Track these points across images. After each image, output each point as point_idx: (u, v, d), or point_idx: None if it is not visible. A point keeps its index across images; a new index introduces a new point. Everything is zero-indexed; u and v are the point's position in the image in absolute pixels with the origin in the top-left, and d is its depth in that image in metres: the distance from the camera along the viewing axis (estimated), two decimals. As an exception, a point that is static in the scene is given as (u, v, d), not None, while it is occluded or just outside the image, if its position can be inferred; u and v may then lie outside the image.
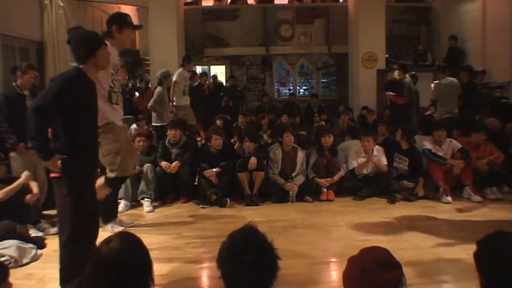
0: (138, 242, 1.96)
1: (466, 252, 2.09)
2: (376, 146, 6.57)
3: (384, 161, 6.49)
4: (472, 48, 11.18)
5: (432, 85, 8.98)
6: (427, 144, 6.59)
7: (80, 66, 3.32)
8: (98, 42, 3.41)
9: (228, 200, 6.14)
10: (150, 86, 10.82)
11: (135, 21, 13.35)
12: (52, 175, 3.30)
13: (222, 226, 5.00)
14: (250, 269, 1.75)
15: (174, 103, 8.27)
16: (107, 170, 4.18)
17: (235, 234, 1.86)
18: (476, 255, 2.00)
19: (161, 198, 6.39)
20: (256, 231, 1.88)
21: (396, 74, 8.95)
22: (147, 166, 6.29)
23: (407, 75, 9.06)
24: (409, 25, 13.37)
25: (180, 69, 8.57)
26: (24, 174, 4.83)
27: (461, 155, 6.49)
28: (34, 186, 4.95)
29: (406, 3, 13.60)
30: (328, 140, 6.54)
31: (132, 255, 1.87)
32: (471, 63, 10.61)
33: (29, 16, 8.45)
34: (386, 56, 11.53)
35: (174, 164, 6.35)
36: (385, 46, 11.42)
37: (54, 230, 4.93)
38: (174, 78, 8.26)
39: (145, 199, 6.13)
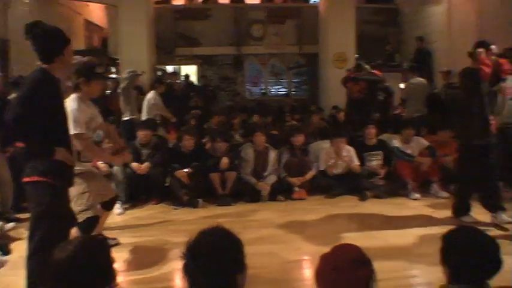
0: (98, 244, 1.95)
1: (433, 246, 2.15)
2: (347, 147, 6.67)
3: (356, 161, 6.59)
4: (438, 49, 11.43)
5: (402, 85, 9.18)
6: (396, 143, 6.74)
7: (45, 65, 3.17)
8: (64, 39, 3.27)
9: (201, 201, 6.12)
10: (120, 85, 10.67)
11: (103, 19, 13.31)
12: (25, 179, 3.15)
13: (194, 227, 4.83)
14: (213, 269, 1.74)
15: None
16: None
17: (204, 233, 1.85)
18: (442, 249, 2.08)
19: (132, 200, 6.29)
20: (225, 232, 1.87)
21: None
22: (116, 168, 6.21)
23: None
24: (378, 26, 13.58)
25: (153, 93, 8.49)
26: None
27: (429, 152, 6.66)
28: None
29: (375, 5, 13.82)
30: (299, 139, 6.60)
31: (91, 258, 1.85)
32: (437, 64, 10.91)
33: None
34: (357, 56, 11.68)
35: (144, 164, 6.29)
36: (355, 47, 11.56)
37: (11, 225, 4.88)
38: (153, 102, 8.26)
39: (116, 201, 6.03)
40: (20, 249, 4.09)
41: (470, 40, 9.81)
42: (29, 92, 3.07)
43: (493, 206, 4.96)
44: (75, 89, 4.09)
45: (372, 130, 6.78)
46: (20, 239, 4.65)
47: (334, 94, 11.09)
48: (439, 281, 2.09)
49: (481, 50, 4.84)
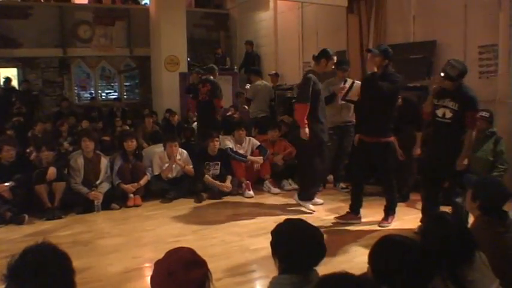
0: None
1: (268, 241, 2.26)
2: (180, 150, 6.69)
3: (190, 164, 6.64)
4: (266, 53, 12.10)
5: (247, 86, 9.66)
6: (229, 143, 6.96)
7: None
8: None
9: (26, 216, 5.58)
10: None
11: None
12: None
13: (21, 245, 4.44)
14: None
15: None
16: None
17: (27, 251, 1.72)
18: (271, 242, 2.22)
19: None
20: (52, 248, 1.76)
21: (195, 77, 9.20)
22: None
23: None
24: (209, 30, 13.87)
25: None
26: None
27: (260, 151, 7.01)
28: None
29: (206, 9, 14.10)
30: (131, 144, 6.44)
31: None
32: (266, 67, 11.53)
33: None
34: (188, 59, 11.80)
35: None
36: (187, 50, 11.68)
37: None
38: None
39: None
40: None
41: (293, 45, 10.69)
42: None
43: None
44: None
45: (216, 143, 6.78)
46: None
47: (167, 97, 11.11)
48: (275, 273, 2.19)
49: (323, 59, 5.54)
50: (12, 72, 12.58)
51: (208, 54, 13.11)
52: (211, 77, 7.92)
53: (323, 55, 5.56)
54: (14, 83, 12.18)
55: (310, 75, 5.46)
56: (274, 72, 10.66)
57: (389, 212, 5.10)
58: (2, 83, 11.68)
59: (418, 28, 7.63)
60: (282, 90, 10.07)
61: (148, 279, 3.82)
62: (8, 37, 11.82)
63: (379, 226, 5.02)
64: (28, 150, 6.68)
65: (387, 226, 5.00)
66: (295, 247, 2.10)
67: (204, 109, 7.93)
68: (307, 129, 5.37)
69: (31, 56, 12.29)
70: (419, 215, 4.79)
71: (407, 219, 5.19)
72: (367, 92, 4.98)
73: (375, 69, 4.84)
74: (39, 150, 6.21)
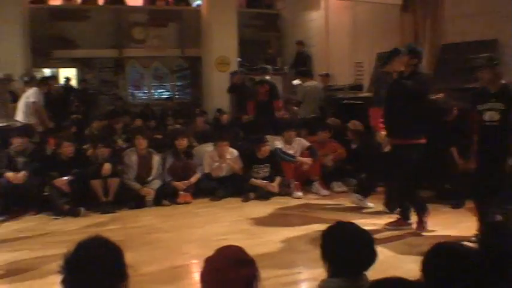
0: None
1: (315, 242, 2.26)
2: (231, 149, 6.77)
3: (239, 163, 6.70)
4: (316, 53, 12.00)
5: (295, 82, 9.61)
6: (278, 144, 6.96)
7: None
8: None
9: (82, 209, 5.85)
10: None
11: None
12: None
13: (77, 237, 4.59)
14: (92, 281, 1.71)
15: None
16: None
17: (81, 245, 1.80)
18: (321, 244, 2.19)
19: (7, 212, 5.85)
20: (104, 241, 1.84)
21: (239, 78, 9.28)
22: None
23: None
24: (260, 30, 13.91)
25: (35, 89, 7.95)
26: None
27: (309, 152, 6.96)
28: None
29: (256, 10, 14.14)
30: (182, 142, 6.58)
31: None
32: (316, 67, 11.44)
33: None
34: (239, 60, 11.88)
35: (20, 173, 5.90)
36: (238, 50, 11.77)
37: None
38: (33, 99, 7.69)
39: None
40: None
41: (346, 45, 10.58)
42: None
43: None
44: None
45: (267, 147, 6.76)
46: None
47: (218, 97, 11.21)
48: (322, 276, 2.17)
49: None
50: (71, 73, 13.10)
51: (258, 54, 13.15)
52: (268, 78, 7.91)
53: (395, 54, 5.27)
54: (73, 82, 12.68)
55: (385, 76, 5.20)
56: (324, 72, 10.59)
57: (418, 217, 4.91)
58: (62, 83, 12.13)
59: (477, 27, 7.29)
60: (332, 90, 9.96)
61: (195, 275, 3.98)
62: (67, 39, 12.30)
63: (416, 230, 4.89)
64: (85, 147, 6.93)
65: (423, 231, 4.83)
66: (346, 251, 2.08)
67: (263, 110, 7.93)
68: (383, 132, 5.10)
69: (88, 57, 12.74)
70: (475, 223, 4.60)
71: (463, 226, 4.98)
72: (393, 92, 4.81)
73: (402, 69, 4.69)
74: (95, 146, 6.45)
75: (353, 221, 2.45)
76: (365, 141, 6.62)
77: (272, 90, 7.71)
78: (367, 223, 5.03)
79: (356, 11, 10.36)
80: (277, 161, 6.78)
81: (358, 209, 5.77)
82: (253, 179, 6.57)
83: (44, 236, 5.14)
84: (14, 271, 4.09)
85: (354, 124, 7.18)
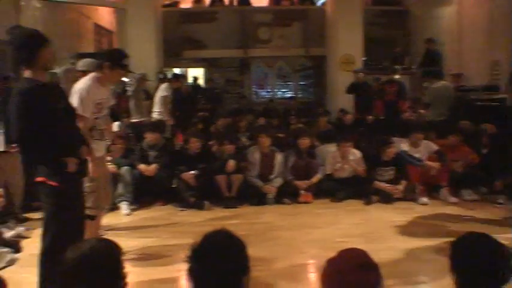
0: (109, 246, 1.95)
1: (442, 252, 2.11)
2: (354, 150, 6.62)
3: (362, 165, 6.53)
4: (448, 51, 11.31)
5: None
6: (404, 146, 6.66)
7: (27, 72, 3.06)
8: (39, 41, 3.10)
9: (207, 203, 6.11)
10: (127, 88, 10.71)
11: (112, 23, 13.36)
12: (37, 179, 3.12)
13: (200, 229, 4.82)
14: (218, 271, 1.75)
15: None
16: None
17: (208, 236, 1.86)
18: (450, 255, 2.03)
19: (139, 201, 6.30)
20: (229, 235, 1.88)
21: (361, 76, 9.06)
22: (124, 169, 6.22)
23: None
24: (386, 28, 13.49)
25: (166, 84, 8.64)
26: None
27: (438, 156, 6.57)
28: None
29: (383, 7, 13.74)
30: (304, 142, 6.57)
31: (101, 259, 1.87)
32: (447, 66, 10.80)
33: (4, 18, 8.25)
34: (364, 59, 11.62)
35: (152, 166, 6.31)
36: (363, 49, 11.52)
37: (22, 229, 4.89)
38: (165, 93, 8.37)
39: (123, 202, 6.05)
40: (30, 248, 4.19)
41: (481, 43, 9.86)
42: (20, 106, 2.98)
43: None
44: (98, 67, 4.15)
45: (393, 150, 6.48)
46: (30, 237, 4.76)
47: (341, 97, 11.03)
48: (449, 288, 2.04)
49: None
50: (199, 72, 13.80)
51: (384, 53, 12.76)
52: (397, 77, 7.67)
53: None
54: (200, 81, 13.33)
55: None
56: (456, 72, 9.96)
57: None
58: (191, 82, 12.80)
59: None
60: (464, 91, 9.33)
61: (313, 275, 3.94)
62: (196, 40, 12.96)
63: None
64: (210, 143, 7.21)
65: None
66: (478, 265, 1.91)
67: (390, 110, 7.71)
68: None
69: (215, 57, 13.30)
70: None
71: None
72: None
73: None
74: (221, 143, 6.70)
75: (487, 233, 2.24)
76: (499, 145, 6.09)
77: (401, 90, 7.43)
78: (501, 238, 4.67)
79: (493, 5, 9.59)
80: (402, 164, 6.49)
81: (491, 221, 5.29)
82: (377, 182, 6.37)
83: (171, 225, 5.45)
84: (145, 256, 4.37)
85: (491, 128, 6.63)
